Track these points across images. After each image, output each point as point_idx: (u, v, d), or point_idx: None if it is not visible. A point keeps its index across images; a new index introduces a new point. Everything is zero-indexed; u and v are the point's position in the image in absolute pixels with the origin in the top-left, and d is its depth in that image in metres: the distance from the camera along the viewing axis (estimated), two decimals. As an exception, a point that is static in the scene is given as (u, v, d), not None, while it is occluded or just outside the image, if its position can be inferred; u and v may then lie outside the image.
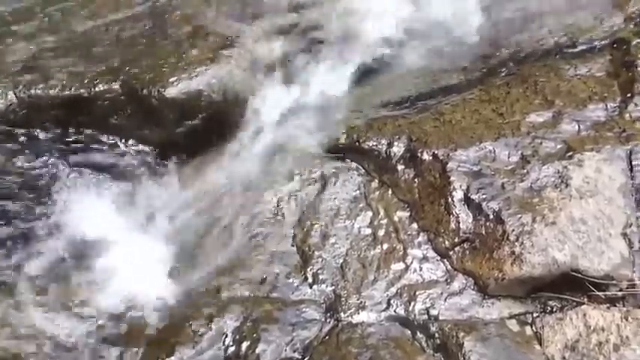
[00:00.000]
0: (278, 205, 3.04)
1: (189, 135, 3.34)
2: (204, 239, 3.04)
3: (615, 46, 3.27)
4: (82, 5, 3.92)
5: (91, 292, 2.90)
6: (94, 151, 3.36)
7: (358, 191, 3.04)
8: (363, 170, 3.11)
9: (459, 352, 2.50)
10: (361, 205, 2.99)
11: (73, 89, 3.32)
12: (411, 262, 2.80)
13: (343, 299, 2.74)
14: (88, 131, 3.38)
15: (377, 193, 3.02)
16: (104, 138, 3.38)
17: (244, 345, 2.64)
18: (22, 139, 3.29)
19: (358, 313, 2.70)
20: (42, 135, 3.32)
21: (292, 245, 2.92)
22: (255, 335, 2.65)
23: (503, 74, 3.33)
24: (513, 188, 2.79)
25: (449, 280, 2.73)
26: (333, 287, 2.78)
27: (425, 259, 2.80)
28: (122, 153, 3.38)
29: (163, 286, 2.91)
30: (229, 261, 2.91)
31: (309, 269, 2.83)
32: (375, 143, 3.10)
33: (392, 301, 2.71)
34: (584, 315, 2.53)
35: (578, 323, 2.51)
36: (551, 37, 3.43)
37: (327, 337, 2.64)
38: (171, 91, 3.26)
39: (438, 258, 2.80)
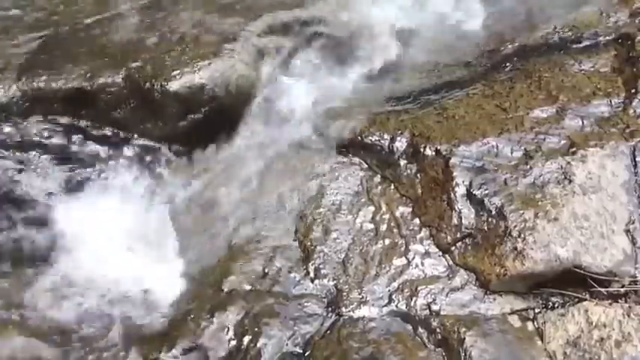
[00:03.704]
0: (280, 200, 3.04)
1: (191, 129, 3.34)
2: (205, 233, 3.04)
3: (620, 41, 3.26)
4: (86, -2, 3.92)
5: (91, 287, 2.90)
6: (95, 144, 3.37)
7: (360, 186, 3.04)
8: (366, 165, 3.10)
9: (460, 348, 2.49)
10: (363, 200, 2.98)
11: (75, 82, 3.33)
12: (413, 258, 2.79)
13: (345, 294, 2.74)
14: (91, 124, 3.38)
15: (379, 188, 3.02)
16: (106, 131, 3.39)
17: (246, 339, 2.64)
18: (23, 132, 3.30)
19: (360, 308, 2.69)
20: (44, 128, 3.33)
21: (294, 240, 2.92)
22: (256, 329, 2.65)
23: (507, 69, 3.32)
24: (516, 184, 2.79)
25: (450, 276, 2.73)
26: (335, 282, 2.78)
27: (427, 254, 2.80)
28: (124, 146, 3.39)
29: (164, 280, 2.91)
30: (231, 255, 2.91)
31: (310, 264, 2.83)
32: (377, 138, 3.09)
33: (393, 296, 2.70)
34: (586, 311, 2.52)
35: (580, 319, 2.51)
36: (555, 33, 3.42)
37: (328, 332, 2.64)
38: (174, 85, 3.26)
39: (440, 253, 2.79)
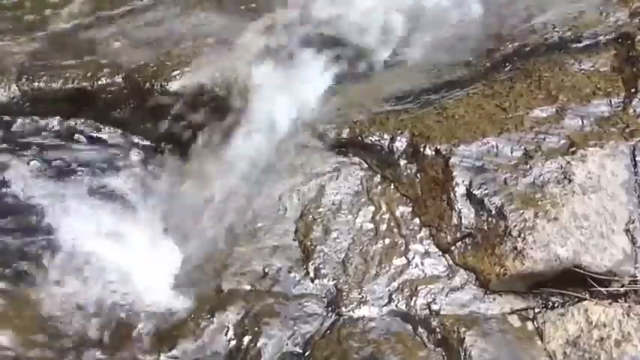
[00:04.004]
0: (280, 200, 3.03)
1: (191, 129, 3.35)
2: (205, 233, 3.04)
3: (620, 41, 3.26)
4: (86, -2, 3.93)
5: (89, 288, 2.91)
6: (96, 144, 3.38)
7: (360, 186, 3.03)
8: (366, 165, 3.09)
9: (460, 347, 2.50)
10: (363, 200, 2.98)
11: (76, 82, 3.33)
12: (413, 257, 2.79)
13: (345, 294, 2.74)
14: (91, 124, 3.39)
15: (379, 188, 3.02)
16: (106, 131, 3.40)
17: (246, 339, 2.64)
18: (24, 131, 3.31)
19: (359, 308, 2.69)
20: (44, 127, 3.33)
21: (294, 239, 2.92)
22: (256, 329, 2.65)
23: (507, 69, 3.31)
24: (516, 184, 2.79)
25: (450, 276, 2.73)
26: (335, 282, 2.78)
27: (426, 254, 2.80)
28: (124, 146, 3.39)
29: (164, 280, 2.92)
30: (230, 255, 2.91)
31: (310, 264, 2.83)
32: (377, 138, 3.09)
33: (393, 296, 2.71)
34: (586, 311, 2.52)
35: (580, 319, 2.51)
36: (555, 32, 3.41)
37: (328, 332, 2.64)
38: (174, 85, 3.27)
39: (440, 253, 2.79)
